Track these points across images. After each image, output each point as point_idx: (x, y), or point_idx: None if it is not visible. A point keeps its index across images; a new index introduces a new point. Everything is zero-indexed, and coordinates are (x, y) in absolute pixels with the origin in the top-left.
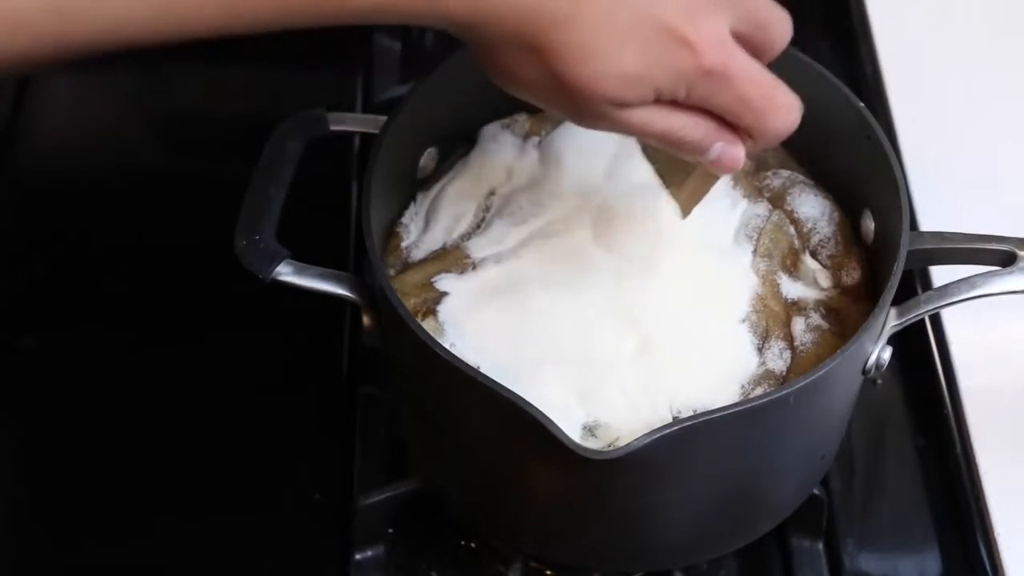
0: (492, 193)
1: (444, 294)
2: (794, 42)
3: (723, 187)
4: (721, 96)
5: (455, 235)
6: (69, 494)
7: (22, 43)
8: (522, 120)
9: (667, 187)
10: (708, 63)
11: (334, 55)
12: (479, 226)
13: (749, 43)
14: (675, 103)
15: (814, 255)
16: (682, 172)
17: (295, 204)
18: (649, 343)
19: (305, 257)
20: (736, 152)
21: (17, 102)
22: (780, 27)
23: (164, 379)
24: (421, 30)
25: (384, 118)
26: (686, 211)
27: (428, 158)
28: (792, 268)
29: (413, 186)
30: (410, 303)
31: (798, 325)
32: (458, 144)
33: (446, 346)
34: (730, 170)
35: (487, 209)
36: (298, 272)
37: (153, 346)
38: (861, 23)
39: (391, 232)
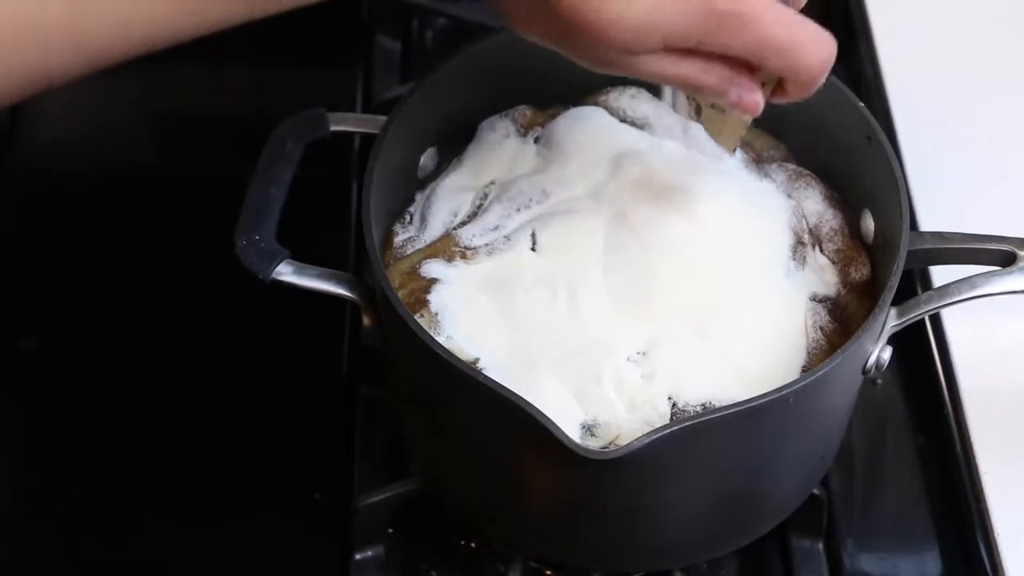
0: (491, 183)
1: (434, 281)
2: None
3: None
4: (737, 40)
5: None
6: (69, 494)
7: (38, 52)
8: (523, 109)
9: (706, 128)
10: (720, 7)
11: (334, 55)
12: (475, 214)
13: None
14: (691, 50)
15: (821, 250)
16: (718, 110)
17: (295, 204)
18: (663, 337)
19: (305, 257)
20: (753, 98)
21: (17, 102)
22: None
23: (164, 379)
24: (421, 30)
25: (384, 118)
26: (730, 149)
27: (428, 158)
28: (801, 262)
29: (413, 186)
30: (400, 294)
31: (807, 322)
32: (459, 143)
33: (442, 338)
34: (752, 114)
35: (484, 197)
36: (298, 272)
37: (153, 346)
38: (861, 23)
39: (390, 232)
